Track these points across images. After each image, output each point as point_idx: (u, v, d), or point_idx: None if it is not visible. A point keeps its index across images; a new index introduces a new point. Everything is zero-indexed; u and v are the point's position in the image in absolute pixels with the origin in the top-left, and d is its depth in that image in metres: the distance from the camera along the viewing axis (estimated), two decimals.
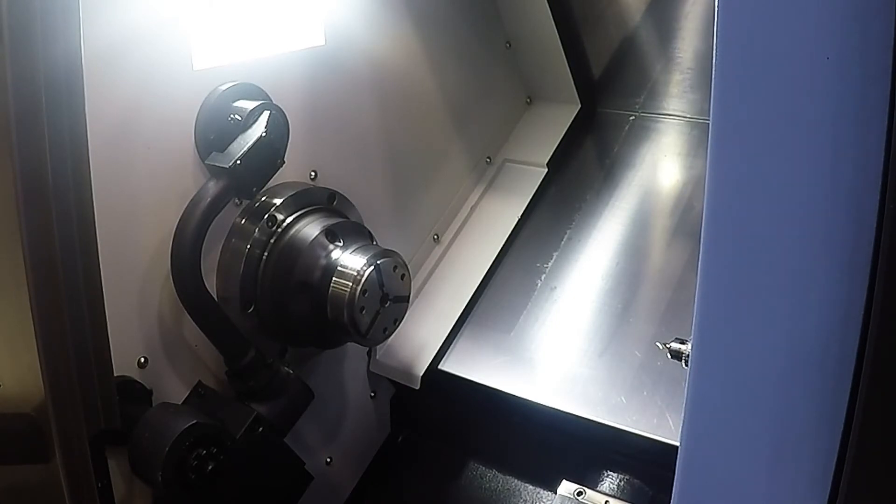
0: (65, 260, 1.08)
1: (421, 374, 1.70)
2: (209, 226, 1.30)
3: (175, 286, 1.28)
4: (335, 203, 1.54)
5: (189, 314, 1.31)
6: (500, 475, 1.74)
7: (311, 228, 1.44)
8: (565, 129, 2.05)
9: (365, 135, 1.69)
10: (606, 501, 1.50)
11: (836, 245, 0.65)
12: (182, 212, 1.31)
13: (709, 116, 0.69)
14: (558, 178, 2.01)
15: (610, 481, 1.61)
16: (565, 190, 2.00)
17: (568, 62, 2.02)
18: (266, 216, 1.41)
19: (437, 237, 1.91)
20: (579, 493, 1.51)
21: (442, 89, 1.87)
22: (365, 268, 1.40)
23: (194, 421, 1.22)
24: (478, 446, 1.79)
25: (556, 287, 1.79)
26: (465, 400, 1.73)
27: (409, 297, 1.53)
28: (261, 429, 1.34)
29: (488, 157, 2.03)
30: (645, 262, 1.80)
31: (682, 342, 0.97)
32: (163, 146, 1.29)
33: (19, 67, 0.98)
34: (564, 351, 1.68)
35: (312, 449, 1.66)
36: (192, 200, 1.31)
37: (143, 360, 1.32)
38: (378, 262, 1.42)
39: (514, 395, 1.62)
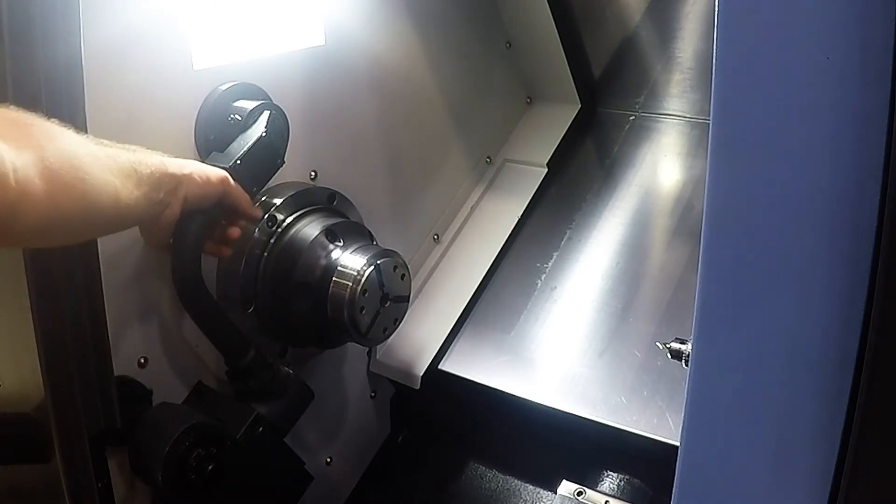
0: (65, 260, 1.08)
1: (421, 374, 1.70)
2: None
3: (175, 286, 1.28)
4: (335, 203, 1.54)
5: (189, 314, 1.31)
6: (500, 475, 1.73)
7: (311, 228, 1.44)
8: (565, 129, 2.05)
9: (365, 134, 1.69)
10: (606, 501, 1.50)
11: (836, 245, 0.65)
12: None
13: (709, 116, 0.69)
14: (558, 178, 2.01)
15: (610, 481, 1.61)
16: (565, 190, 1.99)
17: (568, 62, 2.01)
18: (266, 216, 1.41)
19: (437, 237, 1.91)
20: (579, 493, 1.51)
21: (442, 89, 1.87)
22: (365, 268, 1.40)
23: (194, 421, 1.22)
24: (478, 446, 1.79)
25: (556, 287, 1.79)
26: (464, 400, 1.73)
27: (409, 296, 1.53)
28: (261, 429, 1.34)
29: (488, 157, 2.03)
30: (645, 262, 1.80)
31: (682, 342, 0.97)
32: (163, 146, 1.28)
33: (19, 67, 0.98)
34: (564, 351, 1.68)
35: (312, 449, 1.66)
36: None
37: (143, 360, 1.32)
38: (378, 261, 1.42)
39: (514, 395, 1.62)
